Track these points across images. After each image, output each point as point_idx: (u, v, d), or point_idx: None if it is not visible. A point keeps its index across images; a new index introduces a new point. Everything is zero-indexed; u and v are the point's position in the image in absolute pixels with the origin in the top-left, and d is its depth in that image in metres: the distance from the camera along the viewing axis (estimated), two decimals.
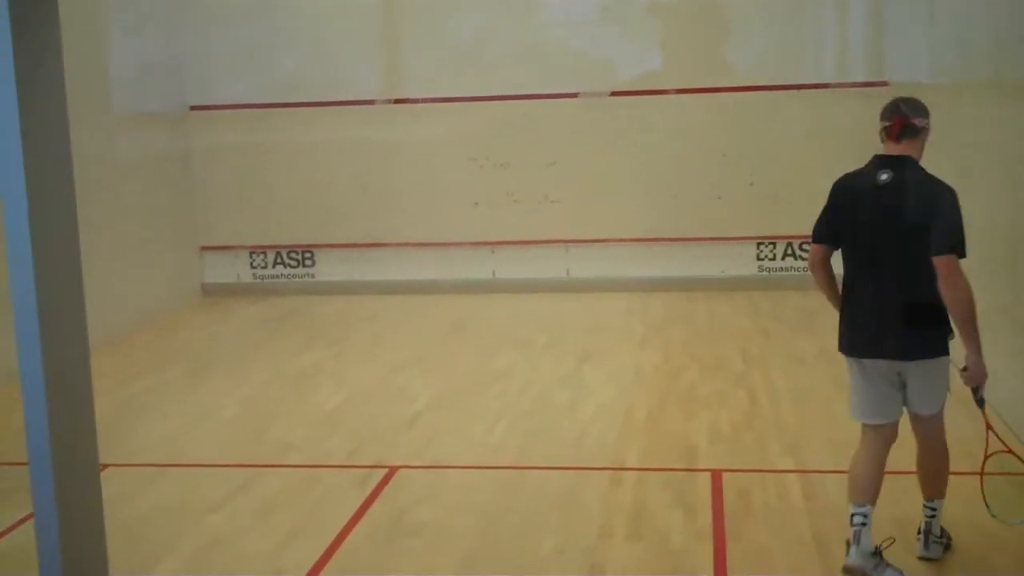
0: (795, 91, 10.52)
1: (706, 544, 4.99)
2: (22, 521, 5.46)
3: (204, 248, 11.60)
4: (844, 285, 4.68)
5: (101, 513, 1.80)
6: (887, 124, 4.56)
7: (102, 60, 10.07)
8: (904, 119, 4.53)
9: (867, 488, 4.57)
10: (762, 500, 5.48)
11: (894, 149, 4.55)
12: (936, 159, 8.78)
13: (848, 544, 4.52)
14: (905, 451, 4.81)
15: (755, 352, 8.40)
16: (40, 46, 1.56)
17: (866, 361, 4.62)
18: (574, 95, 10.89)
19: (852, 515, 4.53)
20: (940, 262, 4.36)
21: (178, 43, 11.29)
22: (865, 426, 4.68)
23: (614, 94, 10.84)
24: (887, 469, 4.67)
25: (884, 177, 4.50)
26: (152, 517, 5.50)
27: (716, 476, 5.81)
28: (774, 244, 10.75)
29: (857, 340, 4.65)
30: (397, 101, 11.14)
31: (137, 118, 10.77)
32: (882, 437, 4.64)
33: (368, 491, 5.78)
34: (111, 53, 10.27)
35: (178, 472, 6.28)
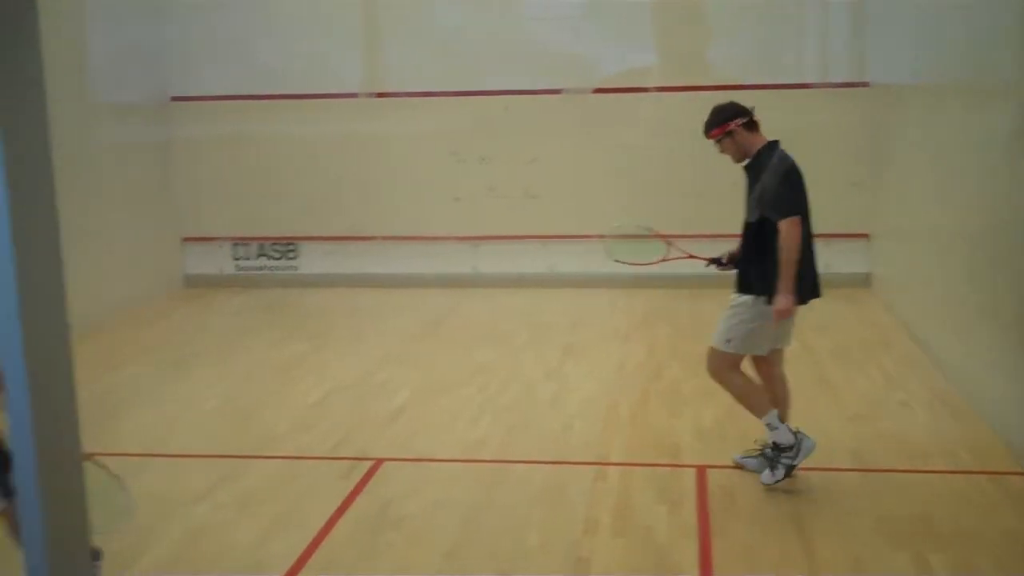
0: (777, 91, 10.54)
1: (691, 540, 4.99)
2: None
3: (186, 239, 11.54)
4: (803, 247, 5.41)
5: (84, 503, 1.78)
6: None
7: (83, 49, 9.99)
8: None
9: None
10: (747, 496, 5.49)
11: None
12: (915, 160, 8.85)
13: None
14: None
15: None
16: (17, 33, 1.54)
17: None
18: (556, 91, 10.88)
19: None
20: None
21: (160, 32, 11.21)
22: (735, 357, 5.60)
23: (596, 91, 10.84)
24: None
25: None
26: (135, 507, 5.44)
27: (701, 472, 5.82)
28: None
29: (810, 287, 5.59)
30: (379, 95, 11.11)
31: (118, 108, 10.69)
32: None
33: (352, 484, 5.76)
34: (92, 42, 10.18)
35: (161, 462, 6.23)
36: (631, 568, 4.75)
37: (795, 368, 7.91)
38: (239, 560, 4.90)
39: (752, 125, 5.62)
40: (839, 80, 10.69)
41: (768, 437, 5.58)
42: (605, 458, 6.11)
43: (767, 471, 5.55)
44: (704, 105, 10.46)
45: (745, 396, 5.65)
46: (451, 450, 6.32)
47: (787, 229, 5.33)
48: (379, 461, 6.09)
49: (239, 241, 11.50)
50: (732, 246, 5.93)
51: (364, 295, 10.78)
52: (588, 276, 10.87)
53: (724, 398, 7.11)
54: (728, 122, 5.59)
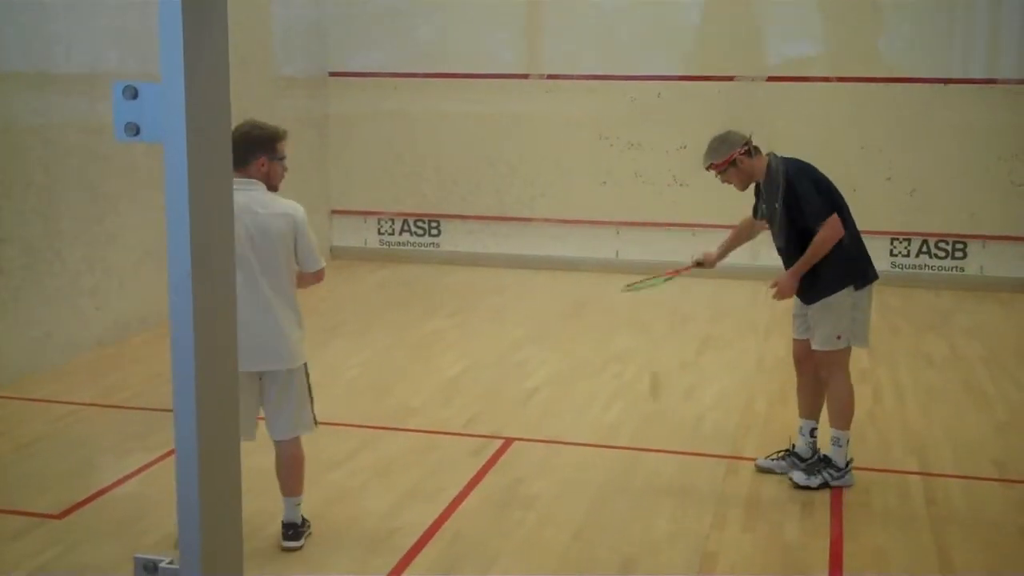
0: (943, 85, 10.19)
1: (822, 540, 4.90)
2: (148, 465, 5.67)
3: (334, 212, 11.81)
4: (846, 237, 5.43)
5: (239, 458, 1.85)
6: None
7: (264, 22, 10.28)
8: None
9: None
10: (882, 500, 5.36)
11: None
12: None
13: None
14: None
15: (882, 349, 8.18)
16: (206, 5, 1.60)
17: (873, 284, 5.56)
18: (707, 78, 10.72)
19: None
20: None
21: (321, 7, 11.48)
22: (847, 351, 5.48)
23: (769, 79, 10.61)
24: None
25: None
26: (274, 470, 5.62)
27: None
28: (909, 240, 10.46)
29: (871, 267, 5.59)
30: (549, 77, 11.09)
31: (279, 81, 10.99)
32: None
33: (483, 460, 5.83)
34: (260, 14, 10.47)
35: None
36: (759, 566, 4.69)
37: (941, 368, 7.70)
38: (372, 526, 5.02)
39: (752, 151, 5.55)
40: (1010, 77, 10.24)
41: (831, 454, 5.49)
42: (738, 453, 6.03)
43: (801, 473, 5.48)
44: (870, 97, 10.34)
45: (848, 404, 5.53)
46: (583, 434, 6.33)
47: (826, 232, 5.35)
48: (510, 440, 6.15)
49: (384, 216, 11.72)
50: (712, 247, 6.30)
51: (505, 275, 10.85)
52: (730, 267, 10.67)
53: (865, 399, 6.96)
54: (730, 152, 5.51)
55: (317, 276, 4.91)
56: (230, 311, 1.84)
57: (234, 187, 4.76)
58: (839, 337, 5.45)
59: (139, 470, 5.61)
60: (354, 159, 11.69)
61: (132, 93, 1.61)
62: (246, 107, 9.92)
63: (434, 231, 11.64)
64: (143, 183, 8.12)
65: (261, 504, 5.03)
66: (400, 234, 11.74)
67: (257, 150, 4.70)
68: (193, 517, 1.71)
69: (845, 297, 5.43)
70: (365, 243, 11.79)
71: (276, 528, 4.88)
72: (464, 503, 5.28)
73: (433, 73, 11.28)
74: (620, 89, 10.93)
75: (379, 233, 11.79)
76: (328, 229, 11.82)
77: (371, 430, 6.35)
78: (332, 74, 11.58)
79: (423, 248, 11.69)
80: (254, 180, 4.69)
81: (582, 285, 10.43)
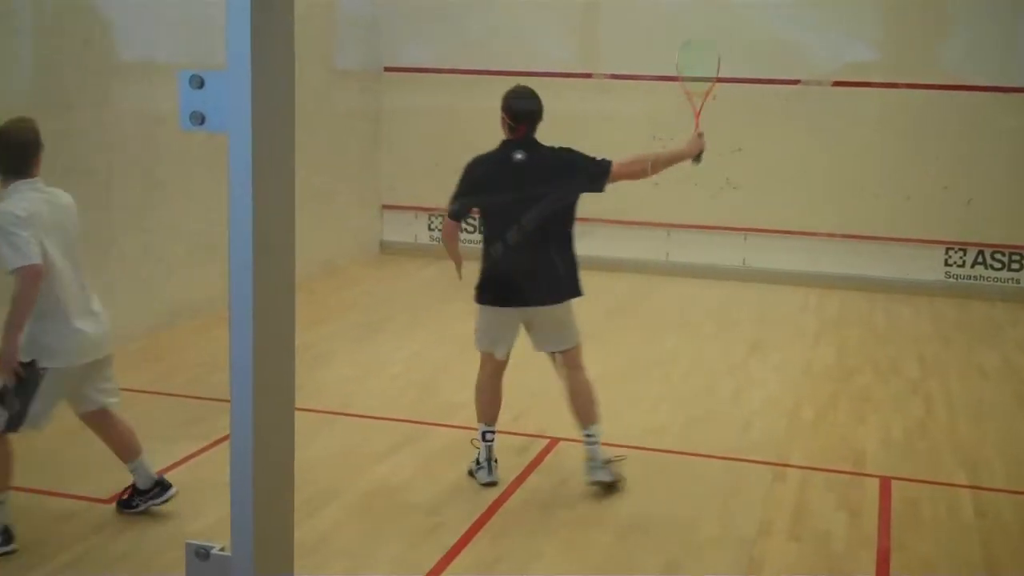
0: (1002, 94, 10.03)
1: (869, 551, 4.85)
2: (196, 454, 5.72)
3: (385, 206, 11.85)
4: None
5: (292, 446, 1.86)
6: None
7: (319, 14, 10.33)
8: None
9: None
10: (931, 512, 5.29)
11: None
12: None
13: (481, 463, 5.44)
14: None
15: (934, 360, 8.09)
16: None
17: None
18: (761, 80, 10.61)
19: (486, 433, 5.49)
20: None
21: (376, 2, 11.52)
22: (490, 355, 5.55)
23: (835, 84, 10.49)
24: None
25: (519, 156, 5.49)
26: (321, 462, 5.66)
27: (885, 483, 5.62)
28: (964, 251, 10.31)
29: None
30: (611, 76, 11.03)
31: (334, 73, 11.06)
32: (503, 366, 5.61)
33: (528, 459, 5.83)
34: (318, 7, 10.53)
35: (346, 421, 6.45)
36: (804, 574, 4.64)
37: (994, 381, 7.59)
38: (415, 521, 5.03)
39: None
40: None
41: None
42: (785, 459, 5.98)
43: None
44: (927, 104, 10.19)
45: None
46: (628, 435, 6.29)
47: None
48: (556, 440, 6.14)
49: (435, 212, 11.73)
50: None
51: None
52: (781, 273, 10.63)
53: (915, 409, 6.88)
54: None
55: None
56: (289, 301, 1.85)
57: (40, 191, 4.82)
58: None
59: (187, 458, 5.67)
60: (406, 154, 11.72)
61: (199, 83, 1.62)
62: (302, 99, 10.03)
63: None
64: (197, 173, 8.20)
65: (306, 494, 5.06)
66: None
67: (38, 149, 4.66)
68: (247, 504, 1.72)
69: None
70: (415, 239, 11.82)
71: (321, 518, 4.91)
72: (508, 501, 5.28)
73: (485, 70, 11.27)
74: (675, 90, 10.83)
75: (429, 229, 11.81)
76: (379, 224, 11.86)
77: (414, 424, 6.36)
78: (387, 69, 11.62)
79: (472, 245, 11.62)
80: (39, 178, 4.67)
81: (631, 286, 10.38)
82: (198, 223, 8.27)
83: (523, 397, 6.91)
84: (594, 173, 5.57)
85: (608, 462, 5.40)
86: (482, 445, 5.52)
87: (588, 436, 5.45)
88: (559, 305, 5.54)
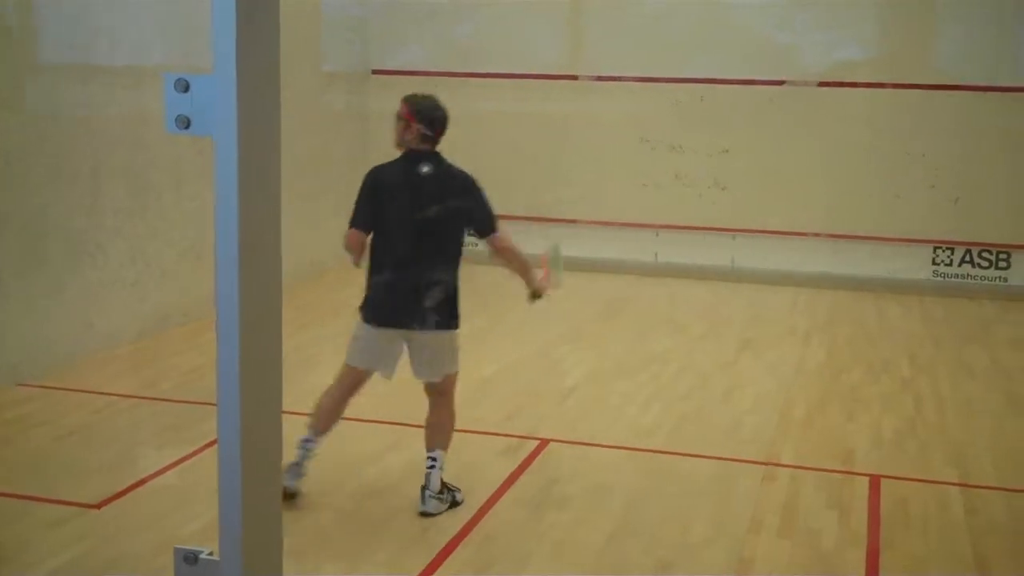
0: (989, 93, 10.06)
1: (859, 549, 4.85)
2: (186, 458, 5.71)
3: None
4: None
5: (280, 450, 1.86)
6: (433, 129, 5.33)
7: (307, 16, 10.32)
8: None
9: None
10: (921, 510, 5.30)
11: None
12: None
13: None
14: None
15: (923, 358, 8.12)
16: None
17: None
18: (747, 81, 10.64)
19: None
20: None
21: (364, 4, 11.52)
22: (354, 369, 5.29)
23: (821, 84, 10.51)
24: None
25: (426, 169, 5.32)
26: (310, 465, 5.64)
27: (875, 481, 5.64)
28: (952, 249, 10.34)
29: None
30: (598, 78, 11.03)
31: (322, 76, 11.04)
32: (360, 380, 5.33)
33: (518, 461, 5.83)
34: (305, 10, 10.52)
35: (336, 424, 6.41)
36: (794, 572, 4.65)
37: (982, 379, 7.61)
38: (406, 524, 5.03)
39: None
40: None
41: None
42: (776, 458, 5.99)
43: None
44: (914, 103, 10.22)
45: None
46: (619, 436, 6.31)
47: None
48: (545, 441, 6.14)
49: None
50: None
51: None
52: (770, 272, 10.66)
53: (904, 408, 6.90)
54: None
55: None
56: (276, 304, 1.85)
57: None
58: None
59: (177, 462, 5.65)
60: (394, 157, 11.67)
61: (184, 86, 1.62)
62: (289, 102, 10.02)
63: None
64: (185, 177, 8.19)
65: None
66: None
67: None
68: (235, 508, 1.72)
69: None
70: None
71: (311, 521, 4.90)
72: (497, 504, 5.27)
73: (473, 72, 11.28)
74: (663, 91, 10.88)
75: None
76: None
77: (403, 427, 6.35)
78: (375, 71, 11.62)
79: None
80: None
81: (620, 287, 10.40)
82: (187, 227, 8.26)
83: (512, 399, 6.91)
84: (479, 222, 5.33)
85: (440, 493, 5.14)
86: (300, 451, 5.15)
87: (430, 459, 5.23)
88: (437, 332, 5.25)
